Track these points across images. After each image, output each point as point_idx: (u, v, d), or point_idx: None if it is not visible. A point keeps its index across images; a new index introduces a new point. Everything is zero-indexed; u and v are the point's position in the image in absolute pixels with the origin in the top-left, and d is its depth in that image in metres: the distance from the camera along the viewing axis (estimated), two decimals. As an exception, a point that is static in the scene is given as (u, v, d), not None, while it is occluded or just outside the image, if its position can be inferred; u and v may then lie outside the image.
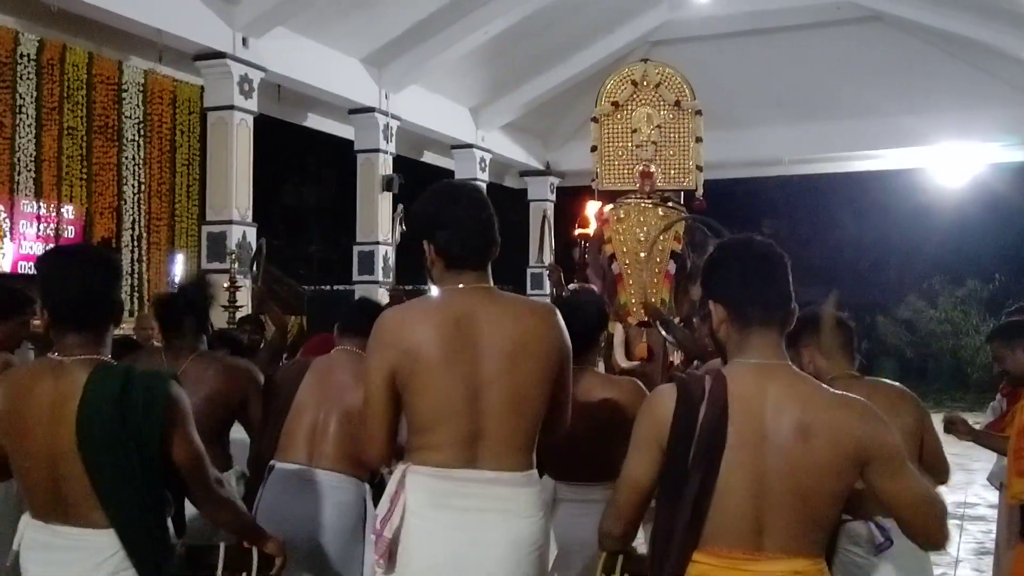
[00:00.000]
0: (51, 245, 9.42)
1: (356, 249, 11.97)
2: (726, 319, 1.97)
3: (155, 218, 10.46)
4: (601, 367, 3.91)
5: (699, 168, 7.44)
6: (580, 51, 12.86)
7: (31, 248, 9.39)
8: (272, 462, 3.29)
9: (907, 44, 12.60)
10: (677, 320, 6.31)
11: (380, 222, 11.77)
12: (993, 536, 5.36)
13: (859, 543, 2.83)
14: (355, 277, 11.99)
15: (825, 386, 1.97)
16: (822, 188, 20.38)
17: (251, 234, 9.66)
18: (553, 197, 15.91)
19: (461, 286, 2.33)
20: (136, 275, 10.19)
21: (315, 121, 12.73)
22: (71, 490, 2.15)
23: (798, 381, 1.94)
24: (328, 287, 17.01)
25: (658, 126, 7.52)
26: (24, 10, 8.76)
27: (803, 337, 2.97)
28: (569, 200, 13.37)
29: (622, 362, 6.64)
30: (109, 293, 2.27)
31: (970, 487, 8.27)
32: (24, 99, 9.14)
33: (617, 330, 6.70)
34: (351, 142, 12.08)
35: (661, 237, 6.72)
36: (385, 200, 11.86)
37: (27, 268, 9.28)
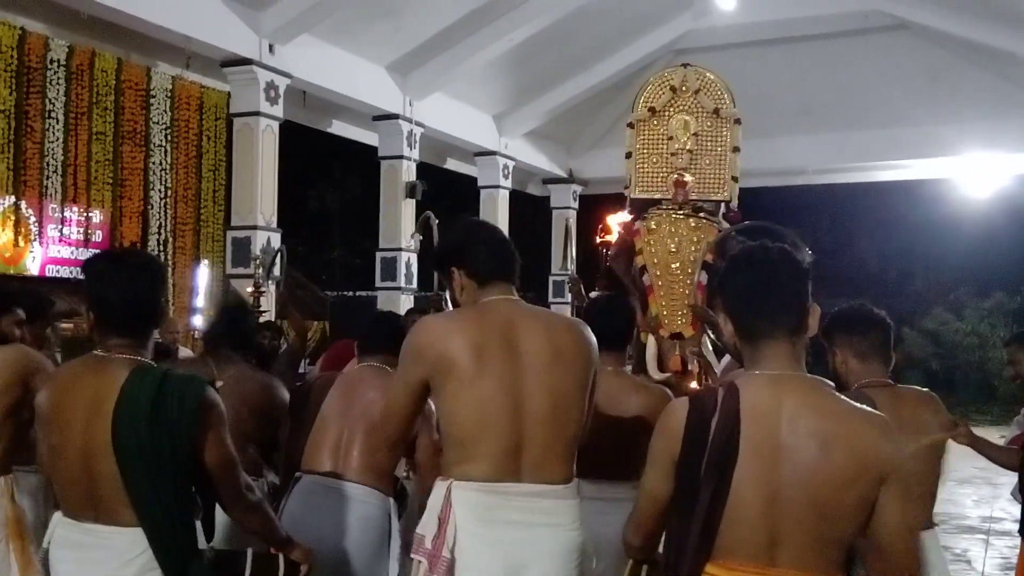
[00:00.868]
0: (79, 249, 9.53)
1: (379, 255, 12.02)
2: (734, 332, 1.96)
3: (181, 223, 10.55)
4: None
5: (735, 179, 7.31)
6: (604, 59, 12.85)
7: (59, 252, 9.49)
8: (298, 473, 3.31)
9: (933, 53, 12.50)
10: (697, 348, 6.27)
11: (403, 228, 11.80)
12: (1018, 551, 5.29)
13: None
14: (377, 283, 12.02)
15: (844, 398, 1.93)
16: (846, 198, 20.25)
17: (275, 240, 9.73)
18: (576, 205, 15.90)
19: (496, 298, 2.37)
20: (161, 279, 10.26)
21: (340, 127, 12.81)
22: (103, 488, 2.18)
23: (815, 392, 1.90)
24: (351, 293, 17.08)
25: (695, 134, 7.35)
26: (54, 16, 8.88)
27: (837, 336, 2.89)
28: (592, 208, 13.36)
29: (654, 374, 6.58)
30: (154, 298, 2.32)
31: (996, 501, 8.17)
32: (53, 104, 9.26)
33: (649, 342, 6.65)
34: (375, 148, 12.14)
35: (693, 248, 6.65)
36: (408, 207, 11.90)
37: (55, 271, 9.39)
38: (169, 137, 10.37)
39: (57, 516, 2.30)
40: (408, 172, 11.90)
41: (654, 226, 7.18)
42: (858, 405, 1.92)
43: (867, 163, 14.74)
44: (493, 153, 13.88)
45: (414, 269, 11.91)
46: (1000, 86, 12.50)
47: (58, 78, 9.26)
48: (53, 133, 9.28)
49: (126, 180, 10.03)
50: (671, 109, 7.48)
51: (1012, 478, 5.40)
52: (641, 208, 7.38)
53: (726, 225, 6.91)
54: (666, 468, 1.93)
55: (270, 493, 3.55)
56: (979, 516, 7.59)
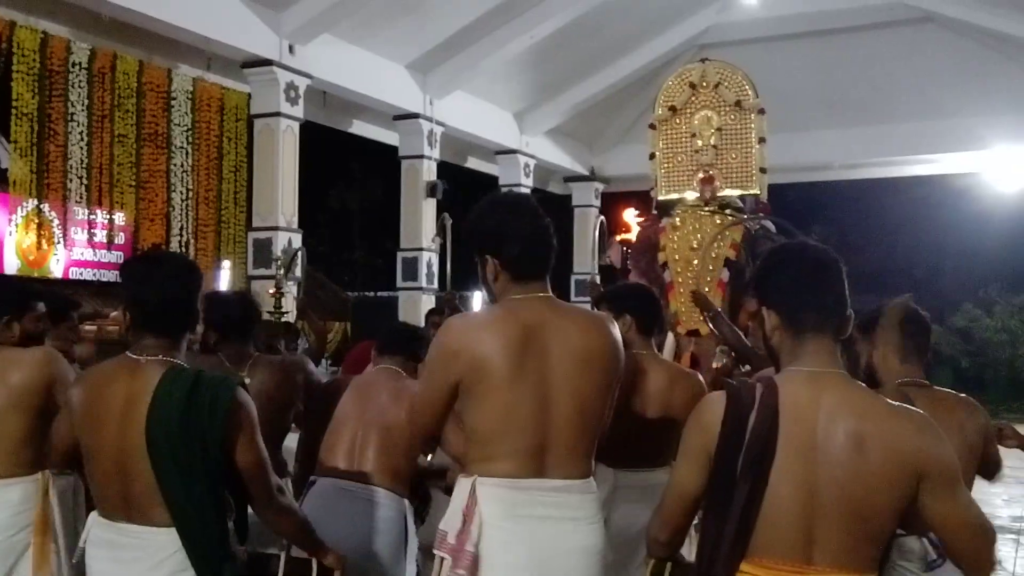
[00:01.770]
0: (101, 252, 9.58)
1: (400, 255, 12.00)
2: (779, 325, 1.92)
3: (202, 224, 10.57)
4: None
5: (763, 171, 7.18)
6: (626, 55, 12.78)
7: (82, 254, 9.55)
8: (312, 477, 3.32)
9: (960, 45, 12.32)
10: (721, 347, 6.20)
11: (424, 228, 11.78)
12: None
13: (911, 559, 2.73)
14: (399, 283, 12.00)
15: (882, 397, 1.92)
16: (874, 193, 20.04)
17: (296, 240, 9.74)
18: (598, 203, 15.82)
19: (526, 296, 2.35)
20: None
21: (360, 127, 12.81)
22: (137, 488, 2.22)
23: (854, 390, 1.88)
24: (372, 293, 17.13)
25: (719, 129, 7.23)
26: (76, 20, 8.93)
27: (882, 331, 2.81)
28: (614, 205, 13.27)
29: None
30: (189, 301, 2.36)
31: (1029, 501, 8.02)
32: (76, 107, 9.30)
33: (668, 339, 6.59)
34: (395, 148, 12.13)
35: (716, 244, 6.56)
36: (429, 206, 11.87)
37: (78, 274, 9.46)
38: (190, 139, 10.40)
39: (93, 516, 2.34)
40: (429, 171, 11.88)
41: (679, 223, 7.09)
42: (896, 403, 1.89)
43: (895, 157, 14.55)
44: (514, 151, 13.83)
45: (435, 269, 11.88)
46: (1030, 78, 12.30)
47: (80, 81, 9.30)
48: (76, 136, 9.32)
49: (148, 182, 10.07)
50: (692, 106, 7.36)
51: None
52: (667, 207, 7.29)
53: (752, 223, 6.81)
54: (699, 462, 1.91)
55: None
56: (1010, 516, 7.46)
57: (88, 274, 9.53)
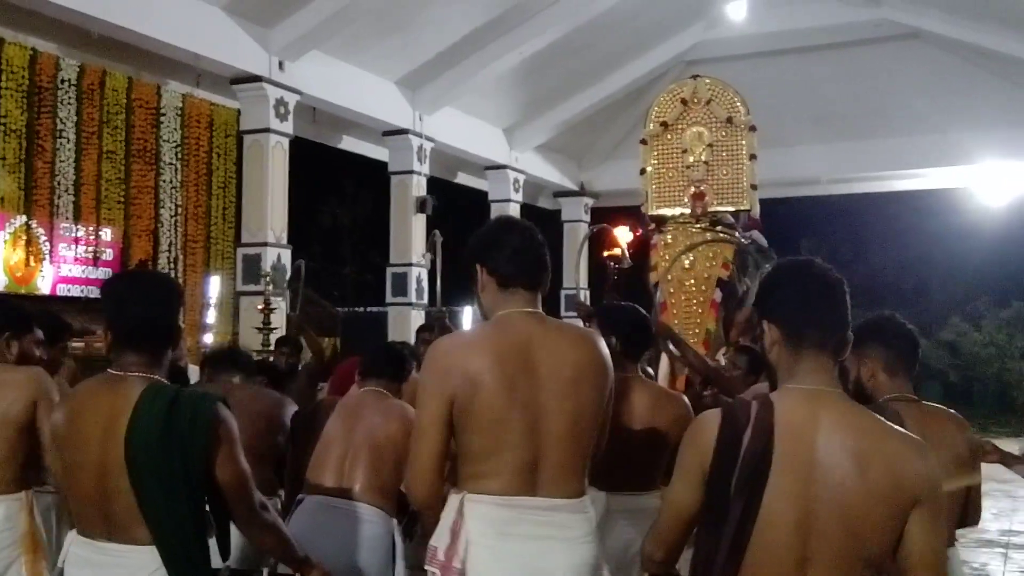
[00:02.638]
0: (89, 268, 9.54)
1: (389, 271, 12.00)
2: (779, 340, 1.90)
3: (191, 240, 10.56)
4: None
5: (753, 187, 7.21)
6: (615, 71, 12.83)
7: (70, 271, 9.50)
8: (300, 495, 3.31)
9: (946, 62, 12.42)
10: (724, 350, 6.20)
11: (414, 243, 11.78)
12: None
13: None
14: (388, 299, 11.99)
15: (880, 417, 1.90)
16: (861, 208, 20.14)
17: (286, 256, 9.72)
18: (588, 218, 15.85)
19: (514, 311, 2.34)
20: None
21: (349, 143, 12.82)
22: (117, 506, 2.19)
23: (852, 409, 1.87)
24: (362, 309, 17.09)
25: (710, 145, 7.26)
26: (65, 36, 8.92)
27: (867, 348, 2.77)
28: (604, 221, 13.29)
29: None
30: (169, 318, 2.35)
31: (1015, 514, 8.05)
32: (64, 123, 9.30)
33: (663, 360, 6.59)
34: (385, 164, 12.14)
35: (708, 265, 6.58)
36: (419, 221, 11.88)
37: (66, 290, 9.40)
38: (179, 155, 10.40)
39: (72, 535, 2.30)
40: (418, 187, 11.89)
41: (670, 240, 7.10)
42: (894, 426, 1.88)
43: (882, 172, 14.64)
44: (504, 167, 13.87)
45: (425, 284, 11.87)
46: (1015, 94, 12.41)
47: (69, 97, 9.30)
48: (64, 152, 9.32)
49: (137, 198, 10.06)
50: (683, 122, 7.39)
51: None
52: (659, 222, 7.30)
53: (743, 241, 6.83)
54: (694, 481, 1.89)
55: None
56: (998, 529, 7.47)
57: (76, 291, 9.46)
